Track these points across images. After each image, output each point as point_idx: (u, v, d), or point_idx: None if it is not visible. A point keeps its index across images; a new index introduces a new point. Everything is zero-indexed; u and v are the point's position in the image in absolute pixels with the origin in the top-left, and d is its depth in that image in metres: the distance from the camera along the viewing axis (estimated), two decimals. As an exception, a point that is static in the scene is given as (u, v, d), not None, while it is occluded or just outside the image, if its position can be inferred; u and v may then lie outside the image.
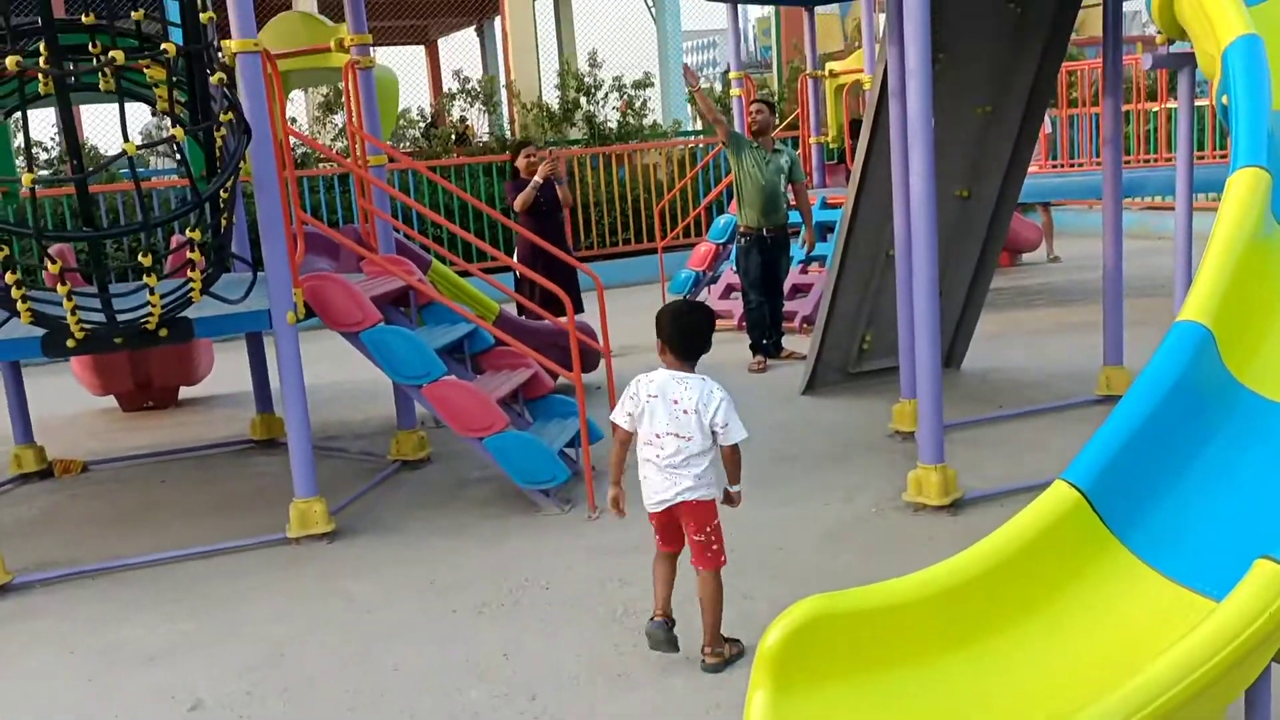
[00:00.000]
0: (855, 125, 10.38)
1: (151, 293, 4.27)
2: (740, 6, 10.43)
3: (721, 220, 10.70)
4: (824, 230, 9.85)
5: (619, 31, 19.56)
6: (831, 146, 11.55)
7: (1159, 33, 4.17)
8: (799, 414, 6.76)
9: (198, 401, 8.45)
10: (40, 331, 4.58)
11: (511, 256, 8.29)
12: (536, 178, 7.84)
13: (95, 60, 4.34)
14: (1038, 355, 7.89)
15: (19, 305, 4.22)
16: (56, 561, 5.00)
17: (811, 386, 7.13)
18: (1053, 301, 10.25)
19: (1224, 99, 3.41)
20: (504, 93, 14.06)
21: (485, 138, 14.73)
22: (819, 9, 12.04)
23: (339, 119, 12.97)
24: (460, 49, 26.70)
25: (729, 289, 9.98)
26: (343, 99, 12.68)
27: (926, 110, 4.59)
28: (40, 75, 4.08)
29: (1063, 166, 11.64)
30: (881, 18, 9.66)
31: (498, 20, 25.06)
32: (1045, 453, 5.59)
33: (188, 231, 4.15)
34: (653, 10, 22.71)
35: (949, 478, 4.92)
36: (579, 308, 7.58)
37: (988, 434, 6.05)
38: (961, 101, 6.10)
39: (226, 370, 8.65)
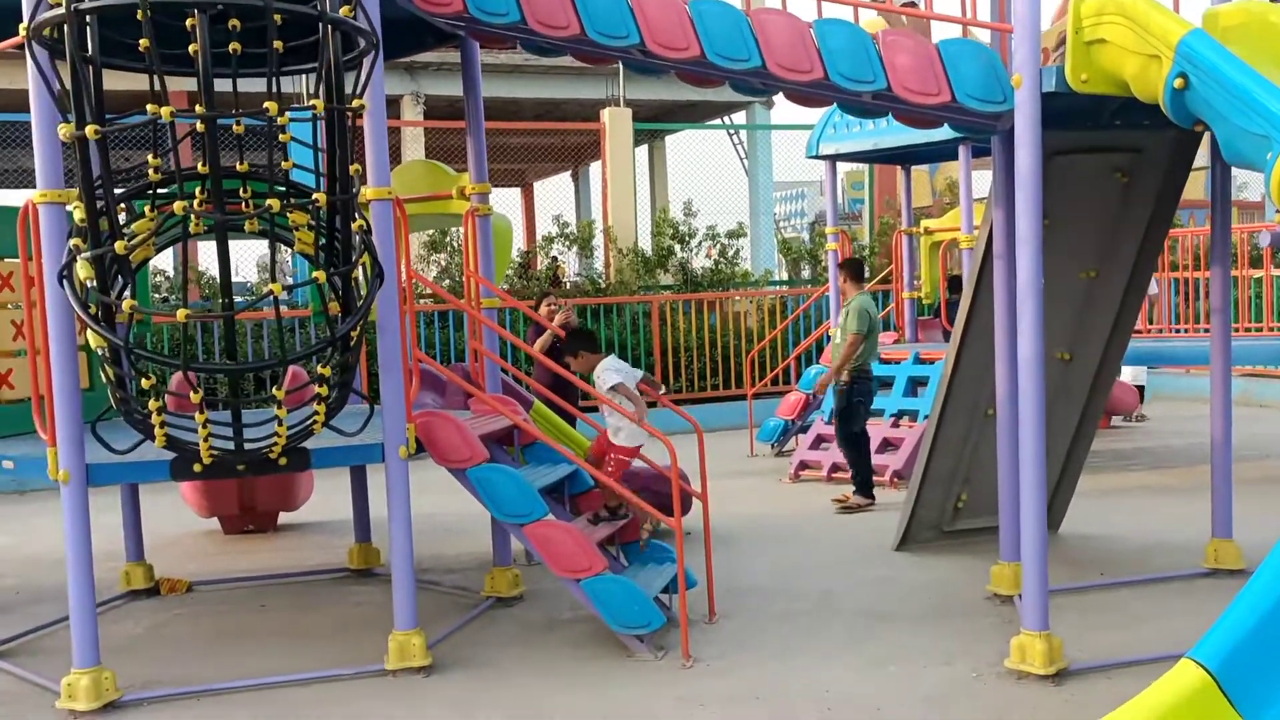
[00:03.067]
0: (955, 281, 10.52)
1: (280, 424, 4.46)
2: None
3: (812, 370, 10.79)
4: (915, 384, 9.87)
5: (711, 181, 20.08)
6: (925, 302, 11.65)
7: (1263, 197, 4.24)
8: (893, 571, 6.69)
9: (295, 527, 8.62)
10: (168, 455, 4.80)
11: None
12: (554, 325, 8.40)
13: (246, 205, 4.64)
14: (1139, 522, 7.73)
15: (156, 430, 4.43)
16: (163, 681, 5.10)
17: (905, 543, 7.06)
18: (1150, 466, 10.07)
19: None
20: (601, 237, 14.48)
21: (577, 279, 15.13)
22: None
23: (442, 257, 13.48)
24: (554, 192, 27.65)
25: (819, 439, 9.99)
26: (447, 239, 13.29)
27: (1037, 277, 4.67)
28: (196, 217, 4.36)
29: (1165, 331, 11.57)
30: (979, 176, 9.91)
31: (593, 167, 26.09)
32: (1153, 625, 5.44)
33: (319, 368, 4.35)
34: (745, 162, 23.39)
35: (1054, 646, 4.81)
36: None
37: (1091, 602, 5.91)
38: (1066, 265, 6.17)
39: (323, 497, 8.83)
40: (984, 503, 6.78)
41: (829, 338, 10.76)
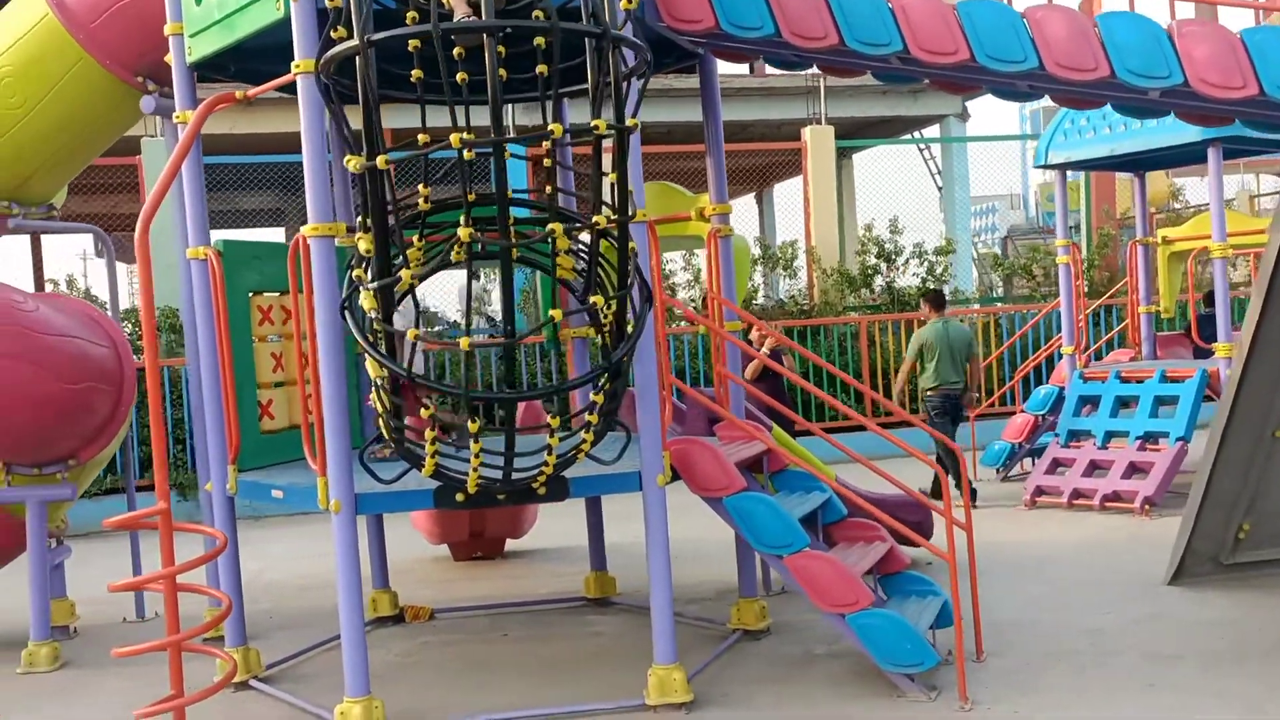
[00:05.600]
0: (1209, 297, 9.87)
1: (550, 452, 4.38)
2: (1040, 171, 10.21)
3: (1042, 391, 10.24)
4: (1160, 403, 9.19)
5: (900, 198, 19.56)
6: (1164, 316, 10.93)
7: None
8: (1167, 608, 6.17)
9: (522, 554, 8.64)
10: (430, 483, 4.80)
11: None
12: (764, 349, 8.52)
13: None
14: None
15: (427, 459, 4.41)
16: (424, 710, 5.09)
17: (1178, 576, 6.52)
18: None
19: None
20: (804, 258, 14.18)
21: (764, 302, 14.83)
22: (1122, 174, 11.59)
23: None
24: (737, 216, 27.37)
25: (1055, 463, 9.43)
26: (666, 262, 13.22)
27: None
28: (456, 245, 4.33)
29: None
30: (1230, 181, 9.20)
31: (778, 188, 25.81)
32: None
33: (591, 395, 4.25)
34: (938, 178, 22.71)
35: (1395, 697, 4.29)
36: None
37: None
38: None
39: (546, 525, 8.82)
40: (1272, 533, 6.20)
41: (1059, 355, 10.26)
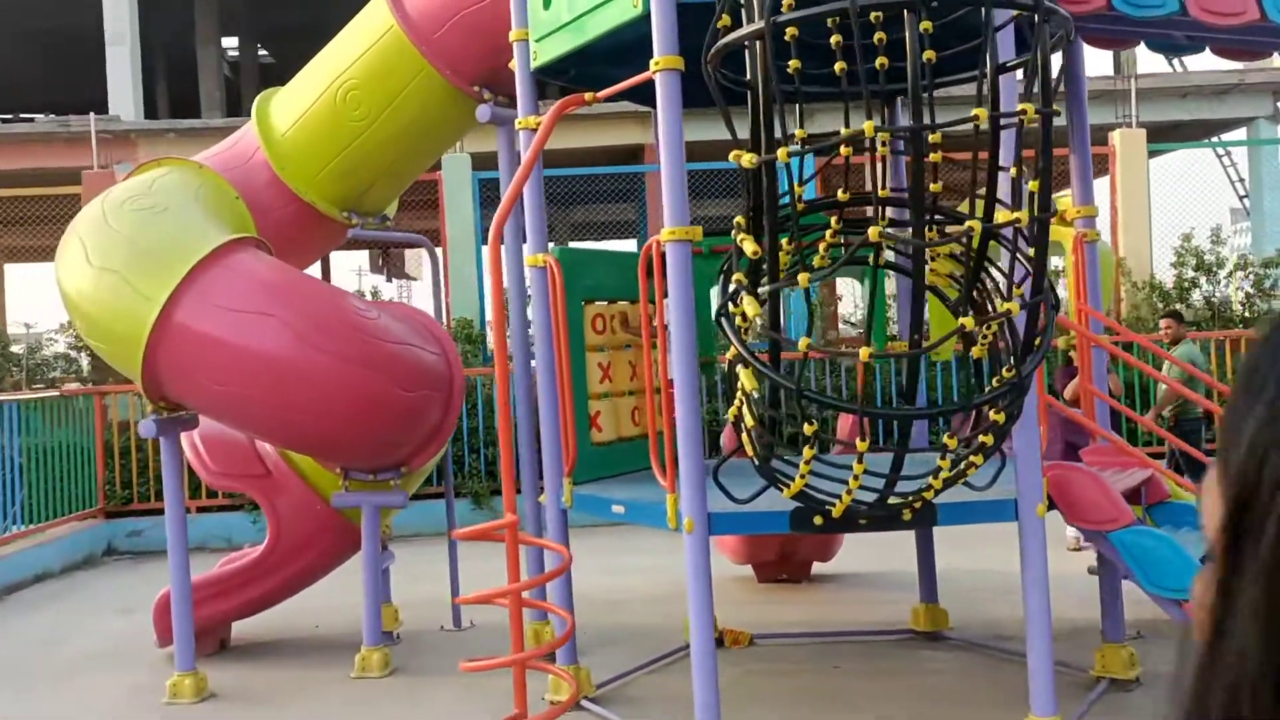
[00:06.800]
0: None
1: (935, 476, 3.97)
2: None
3: None
4: None
5: (1185, 206, 17.95)
6: None
7: None
8: None
9: (828, 579, 8.22)
10: (784, 504, 4.47)
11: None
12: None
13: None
14: None
15: (797, 479, 4.08)
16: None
17: None
18: None
19: None
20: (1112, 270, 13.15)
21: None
22: None
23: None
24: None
25: None
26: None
27: None
28: (840, 247, 4.00)
29: None
30: None
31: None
32: None
33: (991, 413, 3.81)
34: (1238, 186, 20.83)
35: None
36: None
37: None
38: None
39: (848, 549, 8.37)
40: None
41: None
